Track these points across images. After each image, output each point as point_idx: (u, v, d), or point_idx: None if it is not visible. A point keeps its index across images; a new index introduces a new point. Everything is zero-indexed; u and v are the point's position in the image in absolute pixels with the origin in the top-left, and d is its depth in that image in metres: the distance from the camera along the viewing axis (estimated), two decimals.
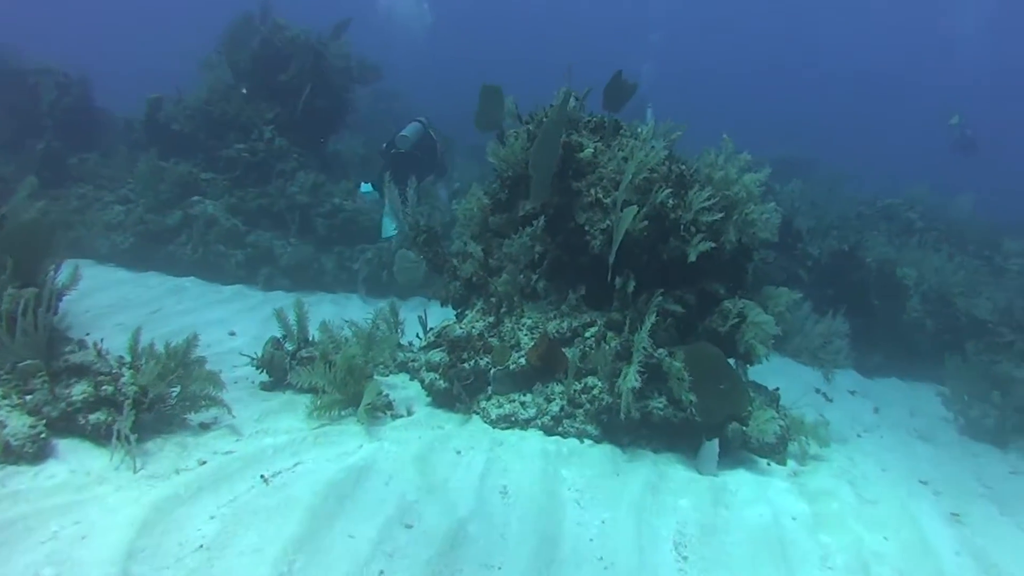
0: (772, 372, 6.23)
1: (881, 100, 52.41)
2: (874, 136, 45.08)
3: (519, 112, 5.61)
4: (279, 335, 5.50)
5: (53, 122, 11.24)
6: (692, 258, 4.83)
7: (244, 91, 10.87)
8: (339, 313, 8.34)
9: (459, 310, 5.68)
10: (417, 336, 6.13)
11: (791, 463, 4.95)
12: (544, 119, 5.33)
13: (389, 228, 9.49)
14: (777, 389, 5.51)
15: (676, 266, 5.01)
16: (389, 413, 4.77)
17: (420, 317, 6.24)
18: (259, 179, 10.11)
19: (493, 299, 5.18)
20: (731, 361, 5.19)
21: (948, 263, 9.29)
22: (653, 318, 4.60)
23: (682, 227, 4.94)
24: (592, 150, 5.13)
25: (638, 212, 4.71)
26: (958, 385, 7.18)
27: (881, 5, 50.33)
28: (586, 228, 4.90)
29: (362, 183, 9.83)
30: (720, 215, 4.95)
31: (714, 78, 50.32)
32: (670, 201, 4.93)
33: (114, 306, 7.50)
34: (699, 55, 49.49)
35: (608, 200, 4.88)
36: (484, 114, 5.40)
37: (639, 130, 5.40)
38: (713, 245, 4.86)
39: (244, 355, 5.37)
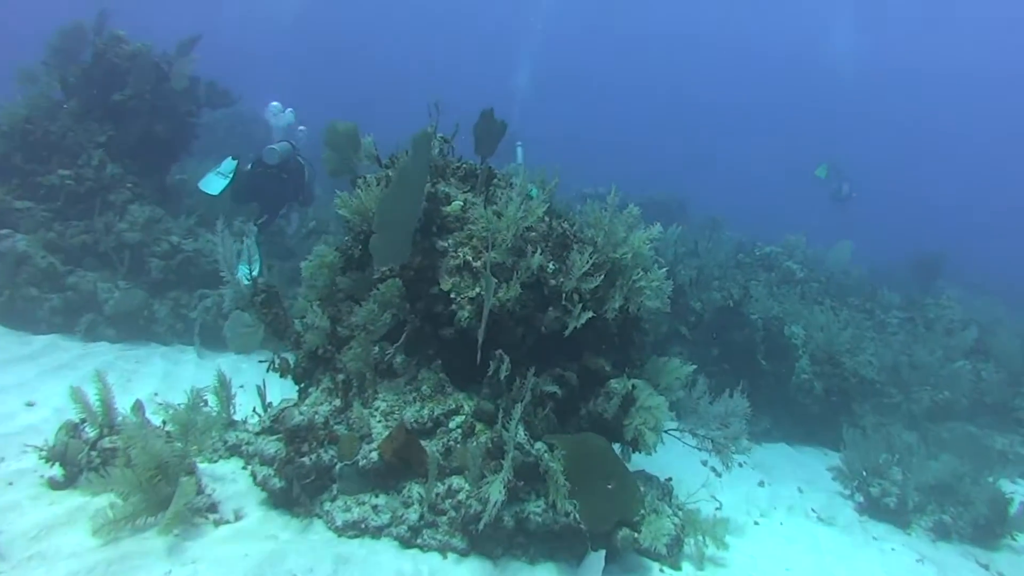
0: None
1: (749, 137, 54.48)
2: (743, 176, 46.85)
3: (378, 154, 4.90)
4: (78, 415, 4.57)
5: None
6: (568, 331, 4.24)
7: (65, 106, 9.71)
8: (169, 373, 7.38)
9: (302, 385, 4.87)
10: (254, 411, 5.28)
11: (687, 566, 4.38)
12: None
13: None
14: (669, 480, 4.94)
15: (556, 339, 4.40)
16: (212, 518, 3.93)
17: (259, 387, 5.37)
18: (85, 211, 8.97)
19: (341, 376, 4.41)
20: (617, 446, 4.62)
21: (834, 320, 9.07)
22: (526, 404, 3.95)
23: (564, 295, 4.33)
24: (461, 203, 4.46)
25: (512, 279, 4.08)
26: (855, 459, 6.86)
27: (759, 44, 52.32)
28: (452, 295, 4.21)
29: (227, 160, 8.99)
30: (601, 280, 4.38)
31: (579, 114, 51.24)
32: (550, 265, 4.32)
33: None
34: (563, 91, 50.18)
35: (478, 263, 4.22)
36: (335, 156, 4.66)
37: (513, 180, 4.79)
38: (592, 315, 4.28)
39: (29, 446, 4.42)
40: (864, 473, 6.66)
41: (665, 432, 4.70)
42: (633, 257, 4.49)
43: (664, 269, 4.67)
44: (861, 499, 6.59)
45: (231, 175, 8.89)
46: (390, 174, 4.65)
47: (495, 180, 4.85)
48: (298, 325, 5.00)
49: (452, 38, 55.82)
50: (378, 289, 4.19)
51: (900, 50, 47.61)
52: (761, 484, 6.79)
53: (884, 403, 8.53)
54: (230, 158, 9.09)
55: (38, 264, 8.23)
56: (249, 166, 9.28)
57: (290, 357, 5.02)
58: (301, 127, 10.92)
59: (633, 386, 4.47)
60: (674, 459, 5.72)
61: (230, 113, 14.72)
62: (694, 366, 5.02)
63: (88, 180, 9.06)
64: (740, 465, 7.07)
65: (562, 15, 46.94)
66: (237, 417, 5.21)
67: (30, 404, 6.04)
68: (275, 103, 9.76)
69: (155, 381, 6.97)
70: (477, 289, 4.15)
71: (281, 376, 5.10)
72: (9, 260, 8.12)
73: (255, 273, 9.35)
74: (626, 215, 4.67)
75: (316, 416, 4.27)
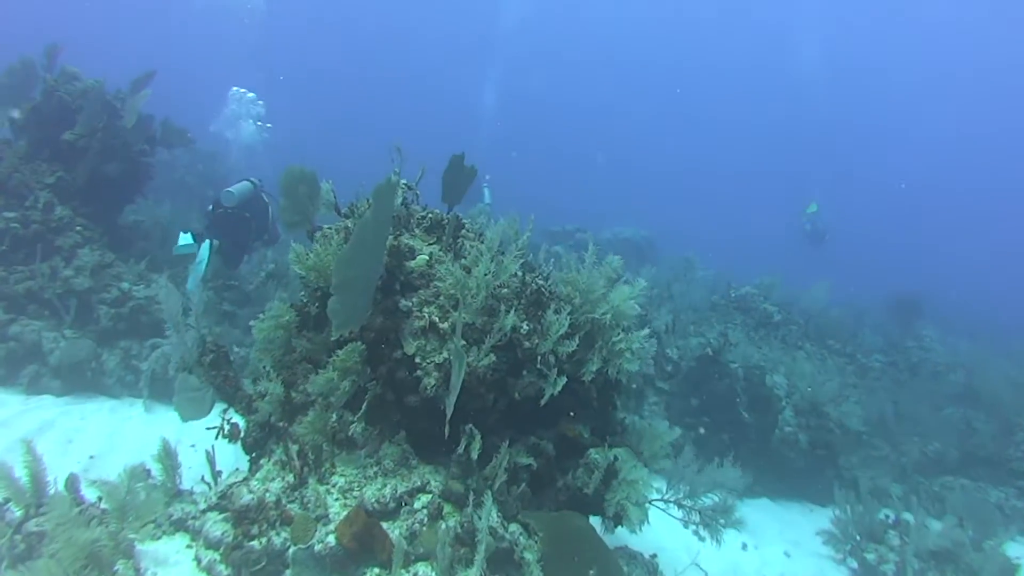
0: None
1: (717, 168, 54.86)
2: (711, 209, 47.06)
3: (338, 203, 4.57)
4: (2, 494, 4.15)
5: None
6: (545, 400, 3.92)
7: (14, 146, 9.31)
8: (115, 432, 6.93)
9: (252, 455, 4.48)
10: (203, 479, 4.88)
11: None
12: (367, 214, 4.32)
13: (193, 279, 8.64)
14: (655, 556, 4.60)
15: (530, 404, 4.07)
16: None
17: (208, 453, 4.97)
18: (31, 255, 8.53)
19: (295, 448, 4.03)
20: (597, 519, 4.28)
21: (818, 368, 8.81)
22: (502, 482, 3.62)
23: (539, 359, 4.00)
24: (427, 257, 4.13)
25: (484, 342, 3.75)
26: (847, 521, 6.53)
27: (726, 69, 52.75)
28: (417, 360, 3.87)
29: (182, 233, 8.68)
30: (576, 344, 4.06)
31: (540, 144, 51.33)
32: (524, 326, 3.99)
33: None
34: (527, 124, 50.29)
35: (446, 324, 3.88)
36: (292, 206, 4.32)
37: (484, 231, 4.48)
38: (566, 380, 3.96)
39: None
40: (858, 537, 6.33)
41: (650, 503, 4.38)
42: (614, 316, 4.17)
43: (645, 330, 4.35)
44: (855, 565, 6.24)
45: (207, 260, 8.66)
46: (350, 226, 4.32)
47: (463, 231, 4.52)
48: (249, 386, 4.64)
49: (415, 58, 56.01)
50: (337, 355, 3.83)
51: (871, 69, 48.25)
52: (744, 547, 6.44)
53: (872, 456, 8.25)
54: (182, 232, 8.80)
55: None
56: (210, 208, 9.04)
57: (241, 421, 4.65)
58: (268, 124, 10.55)
59: (615, 457, 4.14)
60: (654, 517, 5.41)
61: (190, 149, 14.31)
62: (679, 430, 4.71)
63: (35, 223, 8.63)
64: (722, 526, 6.75)
65: (521, 40, 47.44)
66: (184, 485, 4.82)
67: None
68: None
69: (99, 442, 6.52)
70: (445, 354, 3.81)
71: (230, 442, 4.72)
72: None
73: (195, 282, 9.05)
74: (606, 267, 4.36)
75: (267, 494, 3.89)
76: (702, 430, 7.75)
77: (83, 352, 7.86)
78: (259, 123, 10.72)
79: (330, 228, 4.36)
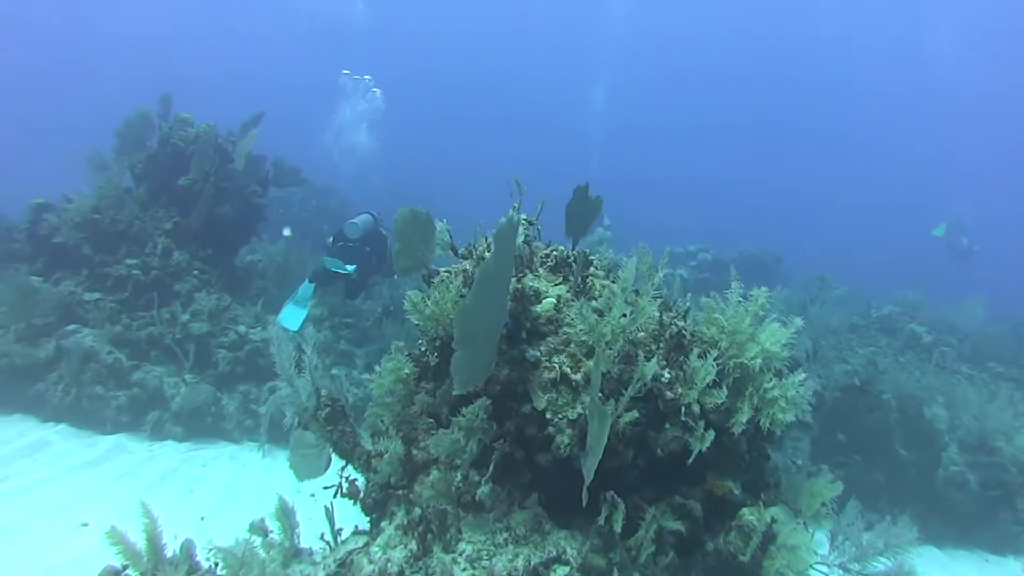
0: None
1: (842, 174, 52.90)
2: (837, 219, 45.17)
3: (454, 243, 4.29)
4: (120, 559, 4.01)
5: None
6: (692, 458, 3.51)
7: (134, 194, 9.52)
8: (234, 481, 6.87)
9: (372, 516, 4.22)
10: (322, 538, 4.66)
11: None
12: (487, 254, 4.02)
13: (293, 316, 8.84)
14: None
15: (673, 459, 3.67)
16: None
17: (327, 509, 4.75)
18: (152, 301, 8.65)
19: (417, 511, 3.75)
20: None
21: (982, 395, 8.01)
22: (648, 554, 3.24)
23: (683, 410, 3.61)
24: (554, 300, 3.80)
25: (622, 394, 3.39)
26: None
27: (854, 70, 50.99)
28: (548, 416, 3.53)
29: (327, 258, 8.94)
30: (726, 394, 3.63)
31: (658, 166, 50.54)
32: (664, 374, 3.60)
33: None
34: (642, 138, 49.67)
35: (578, 376, 3.54)
36: (405, 250, 4.06)
37: (614, 267, 4.12)
38: (714, 433, 3.55)
39: None
40: None
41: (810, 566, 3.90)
42: (765, 360, 3.73)
43: (800, 375, 3.87)
44: None
45: (308, 303, 8.89)
46: (467, 268, 4.02)
47: (592, 268, 4.16)
48: (366, 440, 4.40)
49: (518, 86, 56.20)
50: (462, 413, 3.52)
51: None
52: None
53: None
54: (307, 281, 9.03)
55: (104, 360, 7.91)
56: (330, 241, 9.16)
57: (360, 478, 4.40)
58: (375, 90, 10.54)
59: (771, 516, 3.69)
60: None
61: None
62: (841, 485, 4.20)
63: (154, 269, 8.77)
64: None
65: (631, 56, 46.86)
66: (303, 542, 4.61)
67: (84, 525, 5.60)
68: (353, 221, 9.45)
69: (218, 492, 6.46)
70: (579, 408, 3.46)
71: (351, 500, 4.48)
72: (76, 357, 7.81)
73: (298, 326, 9.09)
74: (755, 301, 3.92)
75: (389, 564, 3.61)
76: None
77: (203, 397, 7.88)
78: (373, 89, 10.66)
79: (447, 271, 4.08)
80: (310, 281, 9.10)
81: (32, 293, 8.38)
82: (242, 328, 8.60)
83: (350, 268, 8.92)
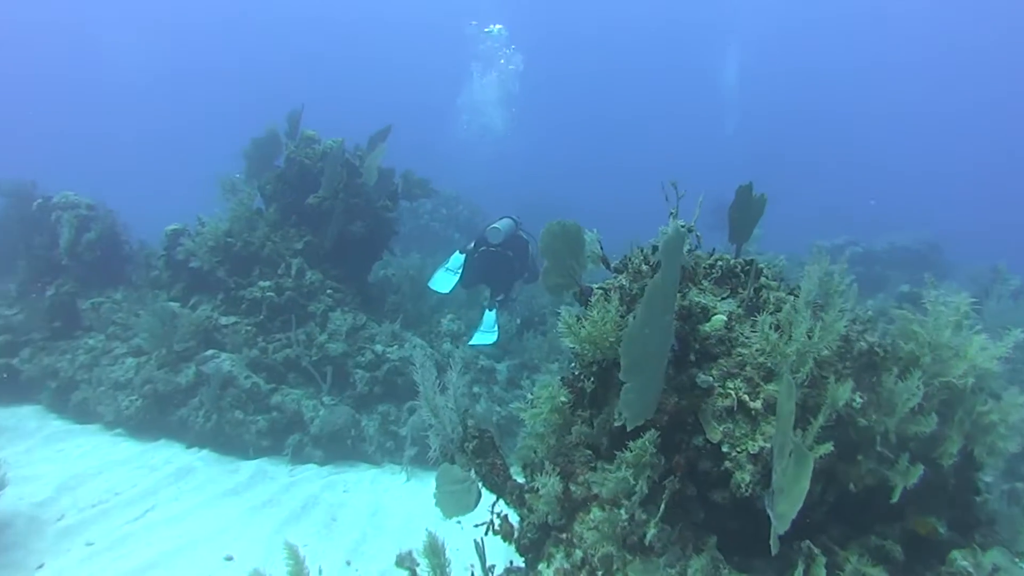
0: None
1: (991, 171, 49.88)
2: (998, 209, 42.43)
3: (606, 255, 3.97)
4: None
5: (72, 261, 10.21)
6: (896, 496, 3.09)
7: (264, 215, 9.61)
8: (377, 505, 6.75)
9: (528, 556, 3.94)
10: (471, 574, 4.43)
11: None
12: (644, 267, 3.69)
13: (443, 280, 8.88)
14: None
15: (866, 493, 3.25)
16: None
17: (477, 545, 4.50)
18: (287, 323, 8.68)
19: (579, 553, 3.44)
20: None
21: None
22: None
23: (878, 439, 3.18)
24: (724, 318, 3.43)
25: (811, 424, 3.00)
26: None
27: None
28: (724, 449, 3.17)
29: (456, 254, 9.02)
30: (935, 421, 3.18)
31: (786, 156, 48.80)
32: (856, 399, 3.19)
33: (98, 506, 6.14)
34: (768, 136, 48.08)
35: (757, 403, 3.16)
36: (556, 267, 3.77)
37: (785, 277, 3.72)
38: (922, 469, 3.10)
39: None
40: None
41: None
42: (976, 379, 3.26)
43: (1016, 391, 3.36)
44: None
45: (460, 271, 8.82)
46: (624, 284, 3.70)
47: (763, 279, 3.76)
48: (517, 472, 4.13)
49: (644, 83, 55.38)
50: (629, 447, 3.20)
51: None
52: None
53: None
54: (457, 252, 9.01)
55: (242, 385, 7.96)
56: (470, 247, 9.07)
57: (512, 514, 4.13)
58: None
59: (992, 564, 3.21)
60: None
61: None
62: None
63: (288, 290, 8.80)
64: None
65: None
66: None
67: (228, 559, 5.56)
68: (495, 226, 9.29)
69: (362, 520, 6.33)
70: (760, 441, 3.08)
71: (504, 540, 4.22)
72: (215, 383, 7.88)
73: (449, 289, 8.98)
74: (956, 306, 3.43)
75: None
76: None
77: (342, 419, 7.82)
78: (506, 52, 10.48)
79: (600, 289, 3.76)
80: (460, 252, 9.10)
81: (171, 319, 8.53)
82: (379, 347, 8.52)
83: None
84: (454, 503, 4.12)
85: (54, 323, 9.38)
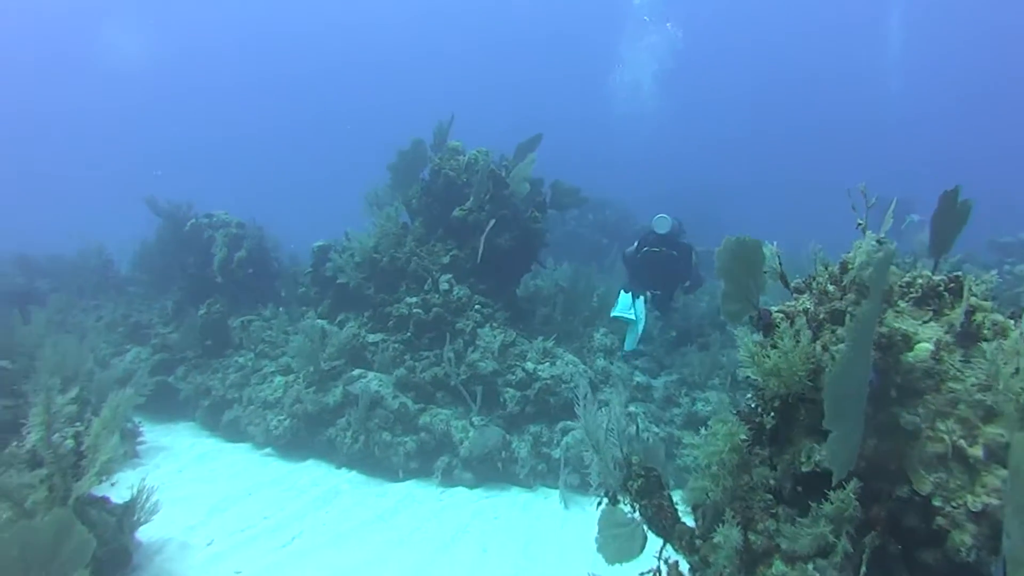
0: None
1: None
2: None
3: (785, 272, 3.59)
4: None
5: (225, 279, 10.53)
6: None
7: (411, 229, 9.60)
8: (530, 534, 6.49)
9: None
10: None
11: None
12: (830, 288, 3.30)
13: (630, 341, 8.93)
14: None
15: None
16: None
17: None
18: (435, 340, 8.60)
19: None
20: None
21: None
22: None
23: None
24: (930, 346, 3.00)
25: None
26: None
27: None
28: (937, 503, 2.75)
29: (622, 292, 9.03)
30: None
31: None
32: None
33: (246, 531, 6.18)
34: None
35: (976, 449, 2.73)
36: (736, 291, 3.41)
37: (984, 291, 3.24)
38: None
39: None
40: None
41: None
42: None
43: None
44: None
45: (632, 311, 8.95)
46: (808, 307, 3.31)
47: (972, 297, 3.27)
48: (686, 514, 3.79)
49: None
50: (827, 500, 2.83)
51: None
52: None
53: None
54: (622, 291, 9.18)
55: (390, 406, 7.93)
56: (632, 248, 9.11)
57: (682, 561, 3.80)
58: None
59: None
60: None
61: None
62: None
63: (435, 306, 8.71)
64: None
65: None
66: None
67: None
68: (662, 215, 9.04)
69: (514, 552, 6.08)
70: (983, 496, 2.65)
71: None
72: (363, 403, 7.87)
73: (634, 345, 8.79)
74: None
75: None
76: None
77: (492, 441, 7.63)
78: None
79: (781, 313, 3.38)
80: (625, 291, 9.03)
81: (320, 337, 8.60)
82: (529, 365, 8.28)
83: (637, 314, 8.91)
84: (617, 548, 3.84)
85: (206, 341, 9.66)
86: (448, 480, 7.60)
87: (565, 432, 7.79)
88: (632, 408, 8.04)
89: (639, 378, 8.66)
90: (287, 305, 10.52)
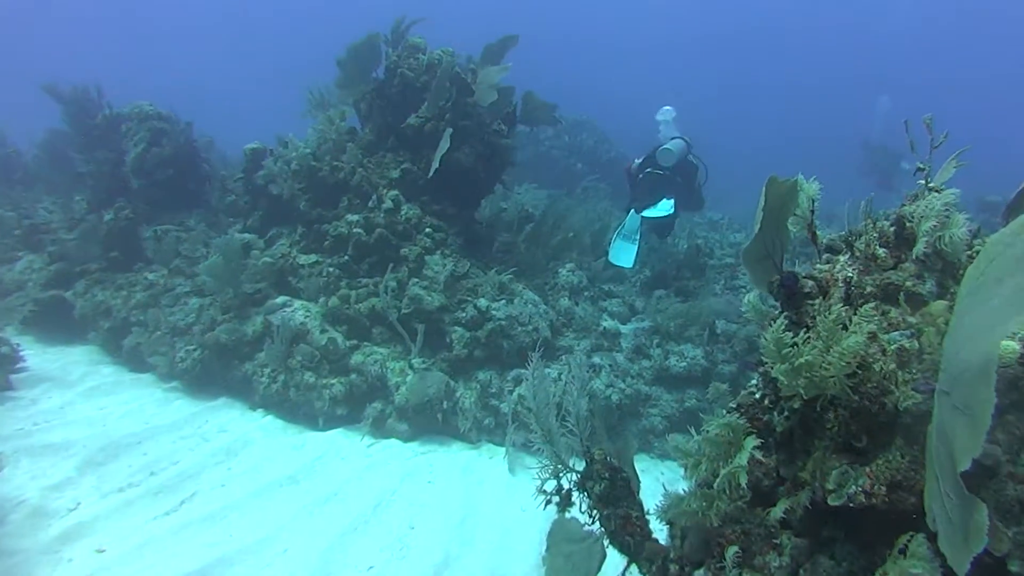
0: None
1: None
2: None
3: (815, 223, 2.80)
4: None
5: (141, 180, 9.58)
6: None
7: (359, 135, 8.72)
8: (471, 504, 5.78)
9: None
10: None
11: None
12: (880, 252, 2.54)
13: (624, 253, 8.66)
14: None
15: None
16: None
17: None
18: (376, 266, 7.77)
19: None
20: None
21: None
22: None
23: None
24: (1018, 347, 2.24)
25: None
26: None
27: None
28: (1014, 570, 2.04)
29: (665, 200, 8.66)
30: None
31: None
32: None
33: (125, 492, 5.39)
34: None
35: None
36: (765, 238, 2.62)
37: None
38: None
39: None
40: None
41: None
42: None
43: None
44: None
45: (637, 236, 8.64)
46: (850, 275, 2.53)
47: None
48: (659, 530, 3.06)
49: None
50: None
51: None
52: None
53: None
54: (632, 212, 8.76)
55: (316, 341, 7.14)
56: (635, 165, 9.06)
57: None
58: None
59: None
60: None
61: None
62: None
63: (379, 226, 7.85)
64: None
65: None
66: None
67: None
68: (667, 107, 8.80)
69: (447, 530, 5.33)
70: None
71: None
72: (284, 337, 7.07)
73: (631, 263, 8.45)
74: None
75: None
76: None
77: (433, 388, 6.91)
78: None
79: (810, 280, 2.59)
80: (636, 212, 8.70)
81: (241, 255, 7.74)
82: (482, 302, 7.45)
83: (668, 207, 8.54)
84: (569, 569, 3.10)
85: (111, 252, 8.76)
86: (379, 431, 6.91)
87: (518, 382, 7.06)
88: (596, 359, 7.33)
89: (607, 323, 7.92)
90: (215, 215, 9.65)
